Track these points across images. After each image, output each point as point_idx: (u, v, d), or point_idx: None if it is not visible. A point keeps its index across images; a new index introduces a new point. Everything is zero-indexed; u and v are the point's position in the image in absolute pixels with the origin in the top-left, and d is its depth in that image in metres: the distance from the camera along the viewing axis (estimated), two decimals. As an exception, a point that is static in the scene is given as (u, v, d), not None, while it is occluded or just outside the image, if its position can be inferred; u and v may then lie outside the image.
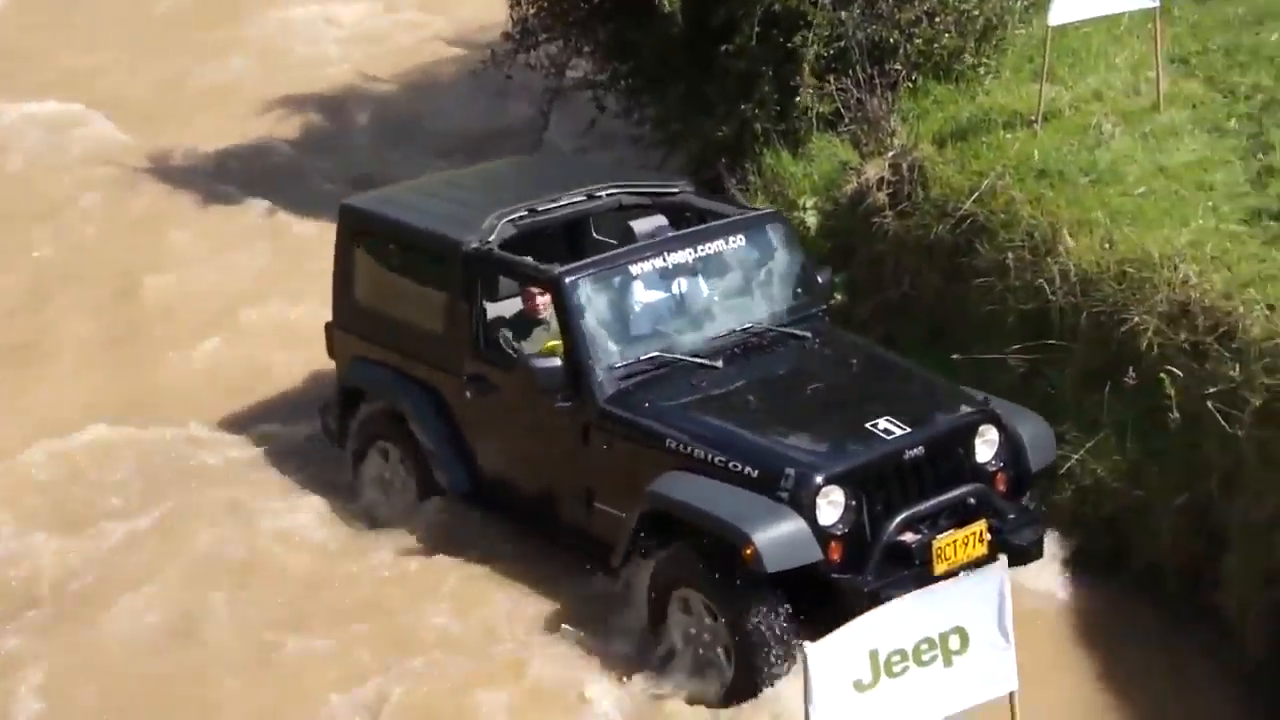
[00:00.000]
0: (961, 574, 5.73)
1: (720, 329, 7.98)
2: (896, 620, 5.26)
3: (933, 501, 7.07)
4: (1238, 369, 7.57)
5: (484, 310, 8.15)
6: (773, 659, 6.88)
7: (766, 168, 10.86)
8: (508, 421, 8.07)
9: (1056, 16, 9.55)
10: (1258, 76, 10.03)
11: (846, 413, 7.50)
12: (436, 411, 8.32)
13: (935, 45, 10.66)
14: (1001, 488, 7.47)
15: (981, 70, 10.80)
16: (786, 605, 6.89)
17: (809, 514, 6.75)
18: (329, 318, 9.38)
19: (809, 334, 8.14)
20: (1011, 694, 5.38)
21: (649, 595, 7.26)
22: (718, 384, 7.60)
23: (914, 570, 6.91)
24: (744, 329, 8.02)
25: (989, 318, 9.24)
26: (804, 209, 10.41)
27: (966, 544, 7.11)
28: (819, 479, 6.82)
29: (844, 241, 10.40)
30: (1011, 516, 7.35)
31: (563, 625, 7.83)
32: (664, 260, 7.95)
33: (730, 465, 6.98)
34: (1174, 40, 10.65)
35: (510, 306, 8.56)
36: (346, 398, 8.87)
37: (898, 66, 10.55)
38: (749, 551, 6.59)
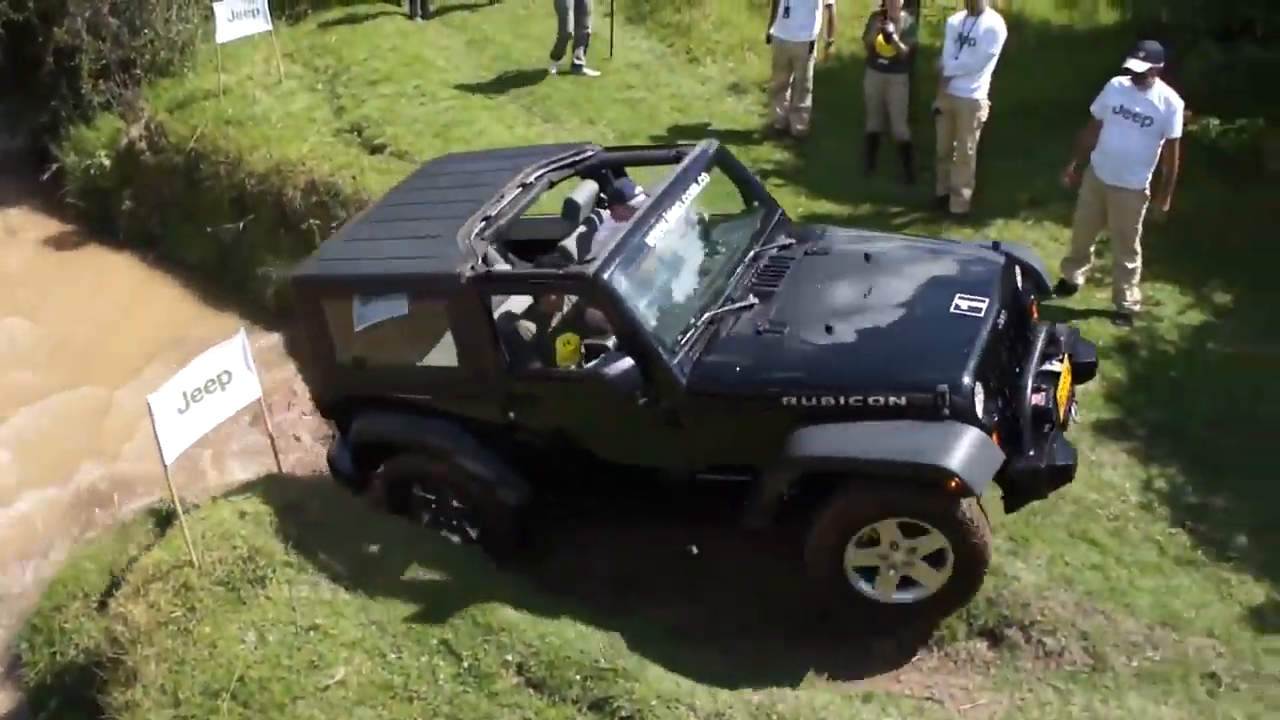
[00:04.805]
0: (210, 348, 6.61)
1: (727, 268, 6.89)
2: (195, 372, 6.47)
3: (1038, 355, 6.08)
4: (344, 214, 10.36)
5: (496, 331, 6.99)
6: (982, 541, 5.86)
7: (75, 137, 13.78)
8: (571, 426, 6.91)
9: (221, 36, 12.73)
10: (326, 60, 13.60)
11: (921, 306, 6.39)
12: (479, 440, 7.12)
13: (158, 58, 13.97)
14: (1035, 317, 6.49)
15: (185, 68, 13.99)
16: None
17: (974, 419, 5.74)
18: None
19: (793, 241, 7.05)
20: (259, 399, 6.91)
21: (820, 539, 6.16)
22: (775, 321, 6.43)
23: (1053, 428, 5.88)
24: (744, 259, 6.90)
25: (215, 207, 12.22)
26: (102, 157, 13.41)
27: (1065, 381, 6.08)
28: (966, 380, 5.78)
29: (122, 177, 13.24)
30: (1064, 339, 6.36)
31: None
32: (667, 221, 6.85)
33: (871, 400, 5.83)
34: (283, 42, 13.54)
35: (510, 305, 7.59)
36: (365, 452, 7.70)
37: (139, 72, 13.82)
38: (955, 484, 5.56)
